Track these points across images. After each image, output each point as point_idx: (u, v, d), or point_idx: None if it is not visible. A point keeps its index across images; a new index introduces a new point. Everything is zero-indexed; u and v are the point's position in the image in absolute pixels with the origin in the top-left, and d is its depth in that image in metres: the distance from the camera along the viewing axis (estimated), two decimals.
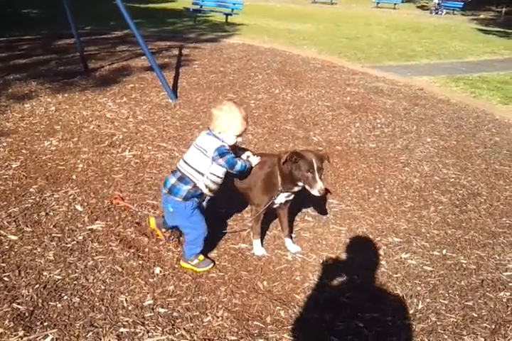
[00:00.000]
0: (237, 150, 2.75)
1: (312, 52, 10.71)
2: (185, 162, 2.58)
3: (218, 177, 2.58)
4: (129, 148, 4.41)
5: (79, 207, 3.28)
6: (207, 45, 10.37)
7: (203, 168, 2.52)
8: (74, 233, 2.97)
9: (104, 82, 6.57)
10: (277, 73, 7.96)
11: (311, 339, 2.23)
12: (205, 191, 2.58)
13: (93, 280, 2.54)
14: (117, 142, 4.52)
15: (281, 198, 2.79)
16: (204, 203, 2.73)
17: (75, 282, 2.51)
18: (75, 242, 2.87)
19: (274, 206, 2.84)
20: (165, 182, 2.65)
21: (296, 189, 2.72)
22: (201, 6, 16.70)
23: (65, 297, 2.40)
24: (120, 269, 2.65)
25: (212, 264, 2.72)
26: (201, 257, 2.71)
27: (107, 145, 4.43)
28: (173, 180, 2.58)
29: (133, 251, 2.82)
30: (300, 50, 10.81)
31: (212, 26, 14.76)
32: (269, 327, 2.30)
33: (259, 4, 28.36)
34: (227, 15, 15.68)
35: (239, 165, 2.54)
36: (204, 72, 7.63)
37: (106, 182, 3.71)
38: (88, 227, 3.04)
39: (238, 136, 2.55)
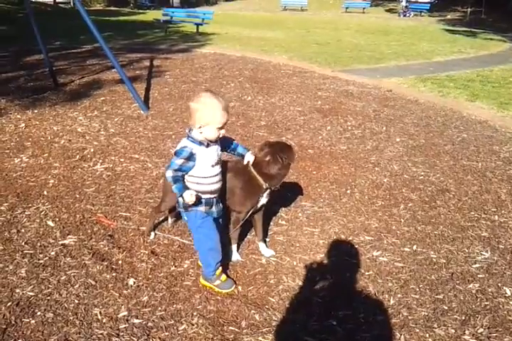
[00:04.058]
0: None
1: (283, 58, 10.84)
2: None
3: (200, 177, 2.44)
4: (100, 161, 4.40)
5: (50, 223, 3.25)
6: (178, 56, 10.41)
7: None
8: (46, 249, 2.94)
9: (75, 97, 6.54)
10: (249, 81, 8.04)
11: (285, 338, 2.26)
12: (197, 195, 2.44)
13: (66, 294, 2.52)
14: (89, 156, 4.50)
15: (264, 199, 2.80)
16: (220, 219, 2.67)
17: (48, 298, 2.49)
18: (47, 258, 2.85)
19: (257, 208, 2.84)
20: (177, 202, 2.58)
21: (280, 180, 2.76)
22: (172, 17, 16.79)
23: (39, 313, 2.38)
24: (93, 282, 2.63)
25: (234, 286, 2.63)
26: (223, 277, 2.62)
27: (78, 159, 4.41)
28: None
29: (106, 263, 2.81)
30: (271, 57, 10.94)
31: (183, 37, 14.82)
32: (245, 331, 2.32)
33: (230, 13, 28.62)
34: (197, 25, 15.80)
35: (169, 173, 2.37)
36: (176, 83, 7.65)
37: (78, 196, 3.69)
38: (60, 242, 3.02)
39: (220, 128, 2.36)
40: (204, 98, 2.33)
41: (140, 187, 3.90)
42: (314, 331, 2.31)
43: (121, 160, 4.47)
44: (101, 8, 31.49)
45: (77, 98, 6.47)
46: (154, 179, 4.07)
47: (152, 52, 10.82)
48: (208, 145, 2.41)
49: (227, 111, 2.36)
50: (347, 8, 32.50)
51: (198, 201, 2.44)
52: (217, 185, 2.54)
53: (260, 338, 2.26)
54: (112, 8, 30.17)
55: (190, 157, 2.38)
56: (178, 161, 2.37)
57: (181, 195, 2.38)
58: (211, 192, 2.51)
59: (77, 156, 4.48)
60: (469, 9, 28.87)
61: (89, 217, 3.36)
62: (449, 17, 29.87)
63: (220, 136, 2.43)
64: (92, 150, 4.65)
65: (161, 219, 3.34)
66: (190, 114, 2.37)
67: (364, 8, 32.28)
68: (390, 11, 34.18)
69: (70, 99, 6.39)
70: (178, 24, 17.31)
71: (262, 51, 11.88)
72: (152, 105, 6.34)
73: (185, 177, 2.45)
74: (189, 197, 2.37)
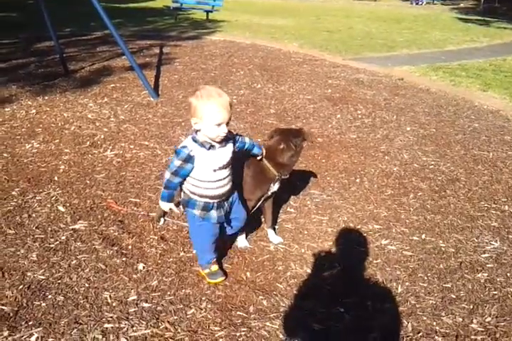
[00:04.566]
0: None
1: (293, 46, 10.74)
2: None
3: (197, 180, 2.32)
4: (110, 147, 4.42)
5: (61, 208, 3.29)
6: (188, 43, 10.35)
7: None
8: (57, 233, 2.98)
9: (85, 83, 6.55)
10: (259, 68, 7.98)
11: (293, 326, 2.28)
12: (192, 196, 2.38)
13: (77, 278, 2.56)
14: (99, 142, 4.52)
15: (275, 187, 2.79)
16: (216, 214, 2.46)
17: (59, 281, 2.53)
18: (58, 242, 2.88)
19: (268, 195, 2.83)
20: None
21: (291, 168, 2.75)
22: (181, 4, 16.62)
23: (49, 296, 2.41)
24: (104, 267, 2.67)
25: (222, 278, 2.58)
26: (214, 268, 2.59)
27: (88, 145, 4.43)
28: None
29: (116, 248, 2.84)
30: (281, 44, 10.83)
31: (193, 24, 14.71)
32: (252, 316, 2.34)
33: (240, 0, 28.30)
34: (207, 12, 15.64)
35: (167, 175, 2.31)
36: (185, 70, 7.62)
37: (88, 182, 3.71)
38: (71, 227, 3.06)
39: (219, 125, 2.15)
40: (200, 91, 2.17)
41: (150, 174, 3.92)
42: (322, 318, 2.33)
43: (131, 146, 4.48)
44: None
45: (87, 85, 6.48)
46: (164, 166, 4.08)
47: (162, 39, 10.75)
48: (210, 148, 2.25)
49: (225, 108, 2.14)
50: None
51: (190, 203, 2.40)
52: (220, 191, 2.36)
53: (268, 323, 2.29)
54: None
55: (189, 159, 2.24)
56: (177, 162, 2.26)
57: (160, 200, 2.42)
58: (211, 197, 2.36)
59: (88, 142, 4.50)
60: None
61: (100, 203, 3.39)
62: (462, 5, 29.31)
63: (222, 135, 2.20)
64: (102, 136, 4.67)
65: None
66: (188, 110, 2.25)
67: None
68: None
69: (80, 86, 6.40)
70: (188, 11, 17.16)
71: (272, 38, 11.77)
72: (162, 92, 6.33)
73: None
74: (164, 207, 2.44)
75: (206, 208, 2.39)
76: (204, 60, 8.47)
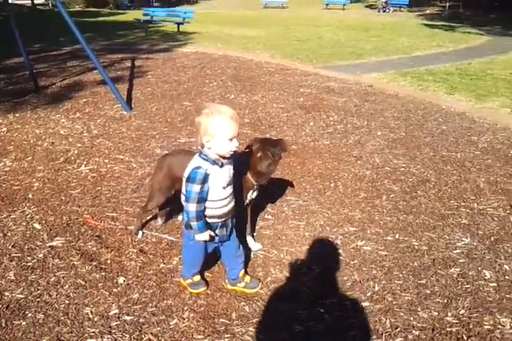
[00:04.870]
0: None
1: (265, 56, 10.90)
2: (182, 193, 2.34)
3: (209, 201, 2.25)
4: (84, 162, 4.40)
5: (37, 226, 3.26)
6: (160, 55, 10.41)
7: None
8: (34, 251, 2.96)
9: (57, 99, 6.51)
10: (232, 79, 8.08)
11: (276, 329, 2.32)
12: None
13: (56, 295, 2.54)
14: (73, 158, 4.50)
15: (254, 194, 2.84)
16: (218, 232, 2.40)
17: (38, 299, 2.51)
18: (35, 260, 2.86)
19: (246, 203, 2.87)
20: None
21: (269, 176, 2.78)
22: (152, 17, 16.72)
23: (29, 314, 2.40)
24: (83, 282, 2.66)
25: (204, 288, 2.60)
26: (197, 278, 2.60)
27: (62, 161, 4.41)
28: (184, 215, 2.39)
29: (95, 264, 2.84)
30: (253, 54, 10.99)
31: (164, 36, 14.78)
32: (235, 322, 2.37)
33: (211, 12, 28.55)
34: (178, 24, 15.77)
35: (192, 207, 2.19)
36: (158, 82, 7.66)
37: (63, 198, 3.69)
38: (48, 244, 3.04)
39: (231, 139, 2.13)
40: (208, 109, 2.14)
41: (126, 188, 3.92)
42: (303, 319, 2.38)
43: (106, 161, 4.48)
44: (80, 9, 31.16)
45: (58, 100, 6.44)
46: (140, 179, 4.09)
47: (133, 52, 10.79)
48: (222, 165, 2.22)
49: (235, 121, 2.13)
50: (327, 4, 32.67)
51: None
52: (227, 209, 2.34)
53: (251, 328, 2.32)
54: (91, 9, 29.86)
55: (205, 179, 2.17)
56: (196, 188, 2.15)
57: (198, 233, 2.27)
58: (218, 217, 2.33)
59: (61, 158, 4.47)
60: (447, 4, 29.27)
61: (76, 219, 3.38)
62: (427, 12, 30.22)
63: (234, 149, 2.17)
64: (75, 152, 4.65)
65: (148, 218, 3.37)
66: (197, 130, 2.17)
67: (344, 5, 32.47)
68: (369, 6, 34.47)
69: (52, 102, 6.36)
70: (158, 24, 17.26)
71: (243, 49, 11.92)
72: (135, 105, 6.34)
73: None
74: (205, 237, 2.28)
75: (212, 228, 2.33)
76: (176, 72, 8.52)
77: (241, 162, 2.70)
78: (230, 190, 2.32)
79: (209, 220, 2.31)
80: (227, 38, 14.46)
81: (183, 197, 2.28)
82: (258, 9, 31.51)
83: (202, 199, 2.21)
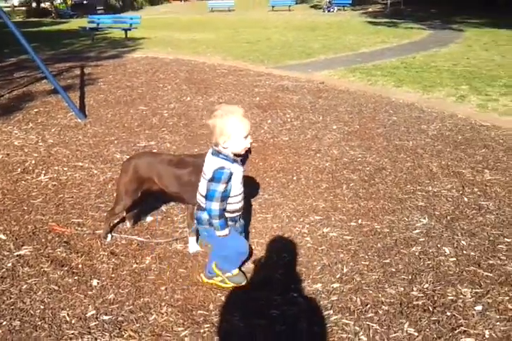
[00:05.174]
0: None
1: (217, 58, 10.97)
2: (199, 192, 2.43)
3: (232, 196, 2.34)
4: (43, 172, 4.32)
5: (2, 236, 3.19)
6: (109, 62, 10.26)
7: (205, 192, 2.32)
8: (1, 261, 2.90)
9: (6, 111, 6.32)
10: (186, 82, 8.10)
11: (253, 315, 2.40)
12: (226, 214, 2.38)
13: (30, 302, 2.51)
14: (30, 168, 4.41)
15: None
16: (238, 225, 2.56)
17: (12, 307, 2.47)
18: (4, 270, 2.80)
19: None
20: (197, 219, 2.47)
21: None
22: (98, 24, 16.42)
23: (4, 323, 2.36)
24: (56, 287, 2.64)
25: (245, 281, 2.64)
26: (236, 271, 2.62)
27: (20, 172, 4.31)
28: (196, 210, 2.47)
29: (66, 269, 2.82)
30: (205, 57, 11.03)
31: (112, 43, 14.56)
32: (213, 312, 2.43)
33: (158, 17, 28.33)
34: (126, 30, 15.56)
35: (216, 206, 2.26)
36: (111, 89, 7.57)
37: (26, 208, 3.62)
38: (16, 253, 2.98)
39: (246, 137, 2.24)
40: (220, 110, 2.21)
41: (89, 193, 3.89)
42: (278, 304, 2.47)
43: (65, 169, 4.41)
44: (21, 19, 30.11)
45: (8, 112, 6.25)
46: (102, 184, 4.07)
47: (81, 60, 10.58)
48: (240, 163, 2.36)
49: (247, 118, 2.23)
50: (273, 6, 33.13)
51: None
52: (242, 202, 2.46)
53: (229, 317, 2.39)
54: (33, 20, 28.92)
55: (229, 178, 2.25)
56: (220, 188, 2.22)
57: (219, 230, 2.34)
58: (238, 211, 2.45)
59: (19, 169, 4.37)
60: (389, 1, 30.36)
61: (41, 227, 3.33)
62: (370, 10, 31.23)
63: (248, 146, 2.28)
64: (33, 162, 4.56)
65: (116, 221, 3.36)
66: (211, 132, 2.24)
67: (290, 6, 33.04)
68: (314, 7, 35.21)
69: (2, 114, 6.17)
70: (105, 31, 16.98)
71: (194, 53, 11.94)
72: (89, 112, 6.25)
73: None
74: (226, 233, 2.36)
75: (233, 221, 2.47)
76: (128, 78, 8.45)
77: None
78: (242, 184, 2.42)
79: (231, 215, 2.41)
80: (177, 42, 14.43)
81: (200, 198, 2.38)
82: (205, 13, 31.55)
83: (225, 197, 2.29)
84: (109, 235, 3.19)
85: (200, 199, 2.41)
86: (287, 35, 16.42)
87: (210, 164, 2.29)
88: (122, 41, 14.82)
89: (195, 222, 2.52)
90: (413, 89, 7.71)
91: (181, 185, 2.87)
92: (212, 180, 2.24)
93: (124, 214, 3.31)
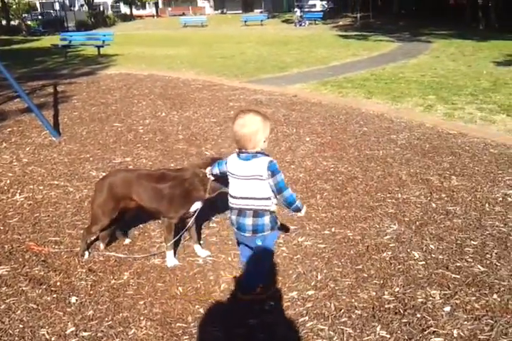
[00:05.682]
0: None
1: (191, 74, 11.10)
2: (244, 198, 2.47)
3: None
4: (19, 191, 4.31)
5: None
6: (83, 79, 10.27)
7: (267, 193, 2.43)
8: None
9: None
10: (161, 97, 8.17)
11: (232, 323, 2.46)
12: (276, 208, 2.54)
13: (9, 321, 2.51)
14: (5, 187, 4.39)
15: (198, 205, 2.97)
16: None
17: None
18: None
19: (192, 213, 2.99)
20: (240, 227, 2.53)
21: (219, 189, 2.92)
22: (70, 41, 16.39)
23: None
24: (35, 306, 2.65)
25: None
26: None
27: None
28: (248, 220, 2.47)
29: (44, 287, 2.83)
30: (179, 73, 11.14)
31: (84, 60, 14.55)
32: (192, 324, 2.48)
33: (131, 33, 28.41)
34: (98, 47, 15.56)
35: (290, 192, 2.45)
36: (85, 106, 7.59)
37: (1, 228, 3.61)
38: None
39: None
40: (250, 119, 2.40)
41: (65, 212, 3.90)
42: (255, 313, 2.54)
43: (41, 188, 4.41)
44: None
45: None
46: (78, 202, 4.08)
47: (55, 78, 10.56)
48: None
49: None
50: (246, 21, 33.69)
51: (275, 221, 2.55)
52: None
53: (208, 328, 2.44)
54: (3, 37, 28.62)
55: None
56: (283, 175, 2.44)
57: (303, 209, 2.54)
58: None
59: None
60: (359, 14, 31.28)
61: (18, 246, 3.32)
62: (341, 23, 32.06)
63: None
64: (8, 181, 4.54)
65: (93, 238, 3.38)
66: (250, 139, 2.38)
67: (262, 21, 33.66)
68: (286, 21, 35.96)
69: None
70: (77, 48, 16.95)
71: (168, 68, 12.04)
72: (63, 130, 6.25)
73: (271, 195, 2.46)
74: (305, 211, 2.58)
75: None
76: (102, 95, 8.47)
77: (195, 174, 2.86)
78: None
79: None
80: (151, 58, 14.52)
81: (260, 202, 2.44)
82: (178, 28, 31.85)
83: None
84: (87, 252, 3.21)
85: (262, 203, 2.45)
86: (261, 50, 16.72)
87: (258, 165, 2.39)
88: (95, 58, 14.82)
89: (250, 232, 2.50)
90: (383, 100, 7.96)
91: (160, 199, 2.92)
92: (273, 174, 2.37)
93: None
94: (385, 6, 34.59)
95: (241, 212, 2.49)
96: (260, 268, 2.67)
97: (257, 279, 2.68)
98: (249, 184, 2.43)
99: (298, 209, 2.53)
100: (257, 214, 2.46)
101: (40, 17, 39.93)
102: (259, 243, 2.53)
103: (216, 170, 2.74)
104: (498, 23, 24.03)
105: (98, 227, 3.11)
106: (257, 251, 2.57)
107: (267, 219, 2.47)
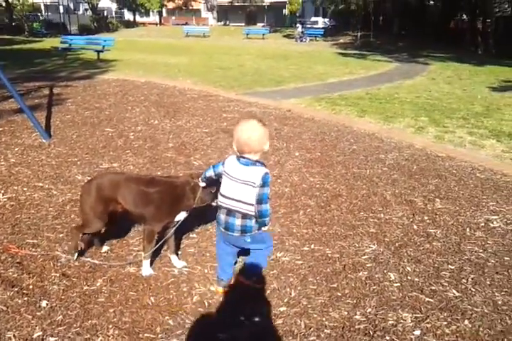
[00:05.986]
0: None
1: (188, 83, 11.15)
2: (233, 199, 2.59)
3: None
4: (2, 191, 4.29)
5: None
6: (80, 83, 10.30)
7: (253, 200, 2.53)
8: None
9: None
10: (155, 105, 8.20)
11: (201, 338, 2.44)
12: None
13: None
14: None
15: (183, 215, 2.96)
16: None
17: None
18: None
19: (175, 223, 2.98)
20: (228, 227, 2.66)
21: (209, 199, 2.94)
22: (70, 44, 16.46)
23: None
24: (5, 308, 2.61)
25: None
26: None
27: None
28: (238, 221, 2.62)
29: (16, 289, 2.79)
30: (176, 82, 11.20)
31: (83, 64, 14.60)
32: (160, 335, 2.46)
33: (132, 40, 28.61)
34: (98, 52, 15.64)
35: (269, 206, 2.59)
36: (78, 109, 7.59)
37: None
38: None
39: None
40: (254, 126, 2.51)
41: (46, 214, 3.88)
42: (225, 327, 2.52)
43: (25, 189, 4.38)
44: None
45: None
46: (61, 205, 4.06)
47: (52, 80, 10.58)
48: None
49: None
50: (247, 34, 34.06)
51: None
52: None
53: (175, 339, 2.42)
54: (5, 37, 28.69)
55: None
56: (269, 190, 2.55)
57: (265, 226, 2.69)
58: None
59: None
60: (359, 33, 31.75)
61: (9, 250, 3.29)
62: (341, 41, 32.50)
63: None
64: None
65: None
66: (258, 144, 2.50)
67: (263, 35, 34.04)
68: (287, 36, 36.41)
69: None
70: (77, 51, 17.01)
71: (166, 76, 12.10)
72: (54, 133, 6.25)
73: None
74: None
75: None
76: (97, 99, 8.49)
77: (187, 182, 2.86)
78: None
79: None
80: (150, 65, 14.59)
81: (247, 206, 2.56)
82: (180, 38, 32.10)
83: None
84: (76, 253, 3.14)
85: (247, 208, 2.56)
86: (260, 63, 16.87)
87: (255, 173, 2.50)
88: (94, 62, 14.88)
89: (238, 232, 2.65)
90: (375, 119, 8.04)
91: (147, 204, 2.91)
92: (263, 185, 2.49)
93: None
94: (386, 26, 35.16)
95: (230, 212, 2.63)
96: (261, 260, 2.89)
97: (257, 270, 2.90)
98: (241, 188, 2.54)
99: (264, 224, 2.65)
100: (246, 216, 2.61)
101: (42, 18, 40.14)
102: (248, 240, 2.68)
103: (211, 173, 2.79)
104: (496, 49, 24.43)
105: (92, 230, 3.06)
106: (255, 243, 2.73)
107: (253, 222, 2.63)
